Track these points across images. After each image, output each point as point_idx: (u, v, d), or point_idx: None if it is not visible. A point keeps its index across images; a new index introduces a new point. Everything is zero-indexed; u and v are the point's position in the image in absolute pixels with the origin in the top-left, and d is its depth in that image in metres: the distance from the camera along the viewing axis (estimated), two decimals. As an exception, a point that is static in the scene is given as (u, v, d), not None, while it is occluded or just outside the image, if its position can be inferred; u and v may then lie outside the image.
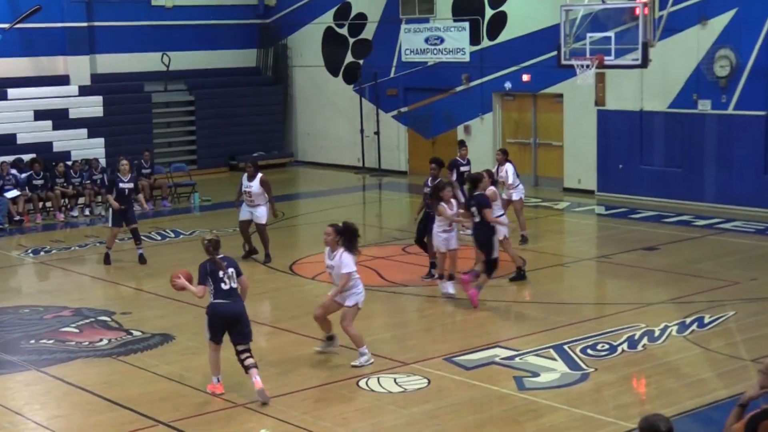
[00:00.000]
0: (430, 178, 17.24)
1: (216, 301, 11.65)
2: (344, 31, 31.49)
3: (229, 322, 11.67)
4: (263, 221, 18.77)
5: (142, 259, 19.06)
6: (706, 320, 14.34)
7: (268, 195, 18.73)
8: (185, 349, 13.65)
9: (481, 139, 27.96)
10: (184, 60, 31.51)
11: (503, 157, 19.90)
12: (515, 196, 19.69)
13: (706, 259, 18.42)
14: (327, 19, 31.86)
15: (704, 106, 23.37)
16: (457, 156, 20.58)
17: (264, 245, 18.85)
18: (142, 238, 19.61)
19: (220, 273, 11.65)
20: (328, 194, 27.25)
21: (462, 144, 21.57)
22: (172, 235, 21.88)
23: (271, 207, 18.84)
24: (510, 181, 19.60)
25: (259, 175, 18.73)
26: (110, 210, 19.40)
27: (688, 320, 14.33)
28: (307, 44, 32.62)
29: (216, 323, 11.67)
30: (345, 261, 12.66)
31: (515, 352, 13.10)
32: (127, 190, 19.12)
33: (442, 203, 15.81)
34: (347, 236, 12.80)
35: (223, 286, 11.65)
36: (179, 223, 23.24)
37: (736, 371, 12.25)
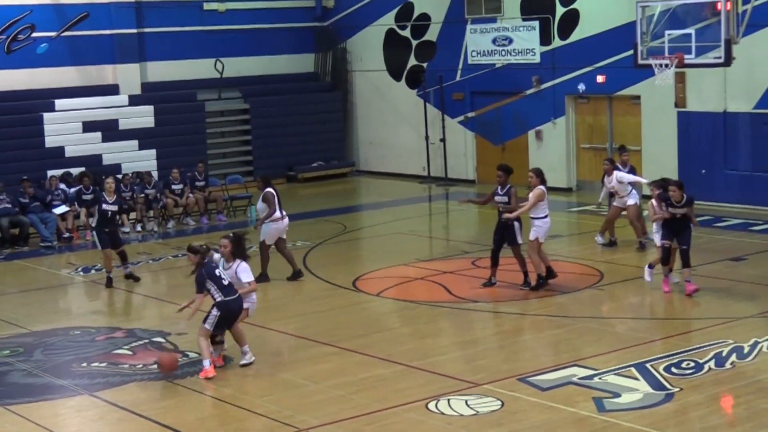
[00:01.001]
0: (498, 187, 17.30)
1: (227, 298, 13.39)
2: (407, 32, 31.55)
3: (236, 316, 13.54)
4: (263, 237, 18.49)
5: (131, 276, 19.24)
6: (800, 335, 14.11)
7: (269, 209, 18.31)
8: (243, 372, 13.71)
9: (553, 145, 27.84)
10: (239, 66, 31.77)
11: (611, 166, 20.28)
12: (630, 202, 20.09)
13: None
14: (388, 20, 31.93)
15: (793, 105, 23.10)
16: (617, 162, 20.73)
17: (261, 264, 18.52)
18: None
19: (217, 272, 13.50)
20: (392, 205, 27.26)
21: (623, 149, 21.59)
22: (229, 250, 21.95)
23: (260, 220, 18.52)
24: (618, 189, 20.08)
25: (267, 189, 18.45)
26: (94, 233, 19.45)
27: (780, 336, 14.12)
28: (367, 47, 32.72)
29: (227, 319, 13.41)
30: (244, 270, 14.01)
31: (594, 372, 12.99)
32: (110, 212, 19.08)
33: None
34: (237, 245, 14.18)
35: (224, 282, 13.44)
36: (236, 238, 23.33)
37: (834, 390, 12.04)
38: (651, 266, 17.32)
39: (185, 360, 14.25)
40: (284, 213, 18.56)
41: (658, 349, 13.81)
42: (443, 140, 30.34)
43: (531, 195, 17.07)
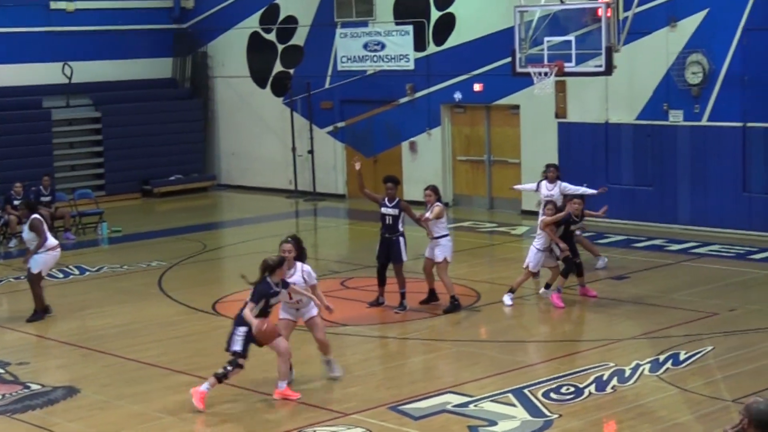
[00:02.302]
0: (386, 199, 17.32)
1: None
2: (272, 36, 31.55)
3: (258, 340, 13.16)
4: (34, 270, 17.71)
5: None
6: (682, 357, 14.48)
7: (39, 238, 17.58)
8: (92, 404, 13.52)
9: (428, 157, 28.11)
10: (89, 71, 31.38)
11: (556, 173, 20.06)
12: None
13: (681, 288, 18.63)
14: (252, 23, 31.90)
15: (676, 117, 23.71)
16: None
17: (35, 299, 17.84)
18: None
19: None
20: (256, 222, 27.20)
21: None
22: (77, 272, 21.67)
23: (30, 252, 17.75)
24: (559, 201, 19.81)
25: (33, 216, 17.75)
26: None
27: (661, 357, 14.46)
28: (229, 52, 32.63)
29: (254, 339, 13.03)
30: (310, 271, 13.96)
31: (469, 398, 13.11)
32: None
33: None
34: (300, 248, 14.19)
35: (272, 301, 13.19)
36: (85, 258, 23.04)
37: (717, 413, 12.37)
38: (551, 287, 17.81)
39: (26, 392, 13.98)
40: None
41: (536, 373, 14.02)
42: (311, 152, 30.37)
43: (431, 212, 17.12)
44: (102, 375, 14.00)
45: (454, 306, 17.35)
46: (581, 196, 18.48)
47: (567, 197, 19.16)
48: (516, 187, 22.09)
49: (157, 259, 22.14)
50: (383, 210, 17.40)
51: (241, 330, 12.97)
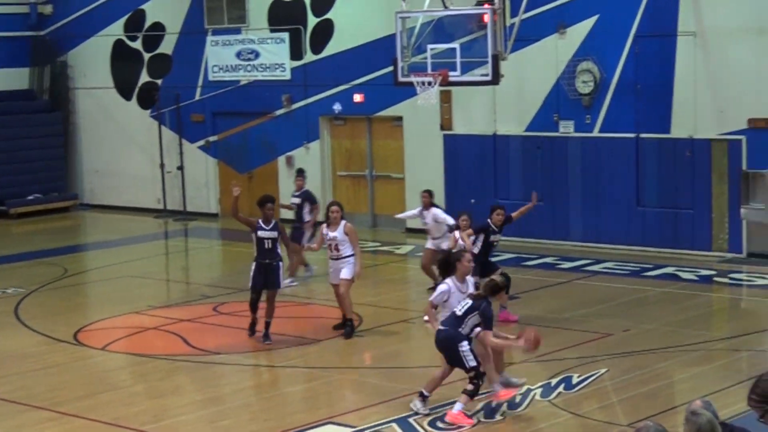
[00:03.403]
0: (263, 221, 17.07)
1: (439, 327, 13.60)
2: (138, 44, 31.29)
3: (439, 347, 13.58)
4: None
5: None
6: (575, 380, 14.66)
7: None
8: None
9: (307, 172, 27.96)
10: (-62, 83, 30.84)
11: (430, 199, 20.19)
12: (444, 245, 19.20)
13: (574, 307, 18.87)
14: (116, 30, 31.60)
15: (566, 128, 24.04)
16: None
17: None
18: None
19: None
20: (123, 244, 26.91)
21: (300, 173, 21.79)
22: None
23: None
24: (432, 228, 19.94)
25: None
26: None
27: (553, 381, 14.61)
28: (92, 61, 32.28)
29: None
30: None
31: (351, 429, 13.12)
32: None
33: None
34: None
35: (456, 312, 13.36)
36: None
37: (611, 439, 12.56)
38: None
39: None
40: None
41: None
42: (181, 168, 30.15)
43: (344, 231, 17.08)
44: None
45: (352, 329, 17.33)
46: (503, 209, 18.50)
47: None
48: (399, 216, 22.28)
49: (13, 286, 21.80)
50: (261, 234, 17.09)
51: (465, 345, 13.19)
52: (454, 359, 13.26)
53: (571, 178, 24.09)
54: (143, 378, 15.92)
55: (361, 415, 13.61)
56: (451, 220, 19.58)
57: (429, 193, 20.39)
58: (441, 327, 13.45)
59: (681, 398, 13.78)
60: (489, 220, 18.22)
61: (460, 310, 13.27)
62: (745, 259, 22.19)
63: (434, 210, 20.03)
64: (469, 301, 13.30)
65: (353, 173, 27.87)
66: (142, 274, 23.15)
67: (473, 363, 13.13)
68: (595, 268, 21.91)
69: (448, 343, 13.26)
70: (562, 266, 22.28)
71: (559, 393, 14.18)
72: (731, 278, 21.01)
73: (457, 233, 18.00)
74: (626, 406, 13.72)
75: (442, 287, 14.09)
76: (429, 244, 20.06)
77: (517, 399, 13.65)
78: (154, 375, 15.92)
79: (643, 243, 23.25)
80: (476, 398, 13.37)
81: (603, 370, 15.04)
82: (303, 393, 15.08)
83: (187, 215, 30.07)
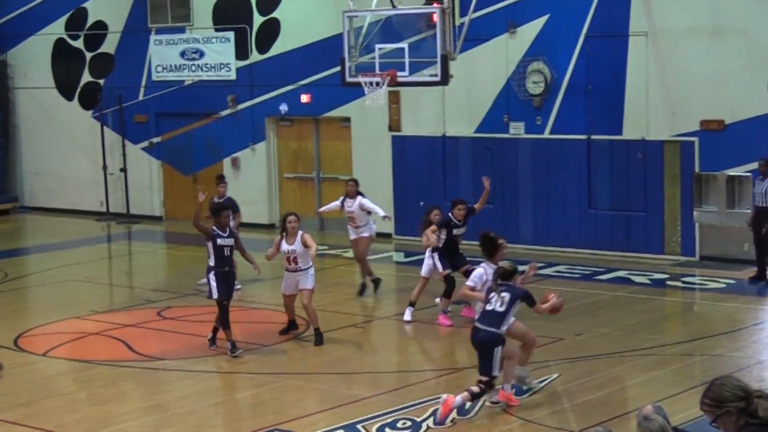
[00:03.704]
0: (219, 228, 16.88)
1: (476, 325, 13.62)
2: (79, 43, 31.10)
3: (475, 345, 13.58)
4: None
5: None
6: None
7: None
8: None
9: (252, 174, 28.00)
10: None
11: (356, 188, 20.41)
12: (365, 234, 20.44)
13: (524, 312, 18.82)
14: (57, 29, 31.40)
15: (517, 129, 24.11)
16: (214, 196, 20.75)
17: None
18: None
19: (492, 294, 13.54)
20: (64, 247, 26.72)
21: (221, 179, 21.75)
22: None
23: None
24: (357, 216, 20.31)
25: None
26: None
27: (506, 387, 14.61)
28: (32, 61, 32.07)
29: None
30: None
31: (299, 436, 13.11)
32: None
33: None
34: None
35: (487, 306, 13.49)
36: None
37: (563, 445, 12.59)
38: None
39: None
40: None
41: (370, 407, 14.02)
42: (124, 170, 30.00)
43: (303, 243, 16.97)
44: None
45: (321, 336, 17.25)
46: (464, 202, 18.87)
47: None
48: (321, 209, 22.34)
49: (-49, 291, 21.61)
50: (220, 242, 16.82)
51: (500, 351, 13.34)
52: (483, 359, 13.38)
53: (521, 180, 24.17)
54: (86, 384, 15.81)
55: (309, 422, 13.58)
56: (380, 211, 20.37)
57: (355, 182, 20.82)
58: (479, 326, 13.48)
59: (634, 403, 13.80)
60: (450, 215, 18.53)
61: (501, 306, 13.38)
62: (698, 262, 22.34)
63: (360, 199, 20.37)
64: (507, 294, 13.41)
65: (300, 175, 27.82)
66: (84, 278, 23.01)
67: (495, 373, 13.30)
68: (547, 271, 21.95)
69: (486, 343, 13.36)
70: (513, 269, 22.30)
71: (510, 398, 14.20)
72: (684, 282, 21.15)
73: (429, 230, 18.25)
74: (578, 411, 13.77)
75: (478, 271, 14.66)
76: (352, 235, 20.57)
77: (467, 405, 13.64)
78: (97, 381, 15.82)
79: (595, 246, 23.36)
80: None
81: (554, 376, 15.09)
82: (250, 399, 15.03)
83: (130, 218, 29.93)
